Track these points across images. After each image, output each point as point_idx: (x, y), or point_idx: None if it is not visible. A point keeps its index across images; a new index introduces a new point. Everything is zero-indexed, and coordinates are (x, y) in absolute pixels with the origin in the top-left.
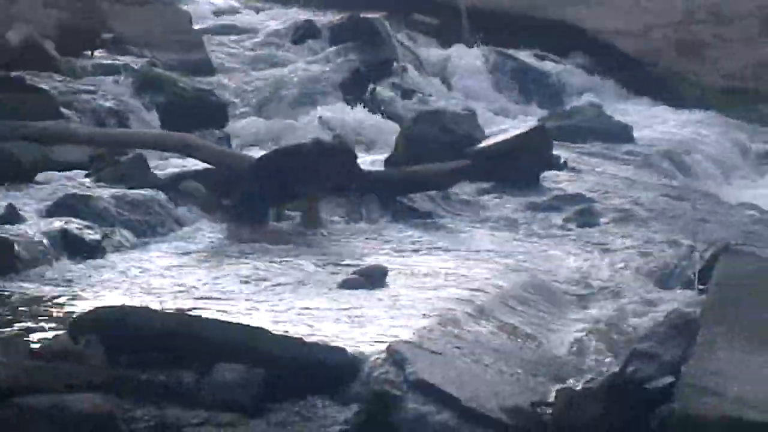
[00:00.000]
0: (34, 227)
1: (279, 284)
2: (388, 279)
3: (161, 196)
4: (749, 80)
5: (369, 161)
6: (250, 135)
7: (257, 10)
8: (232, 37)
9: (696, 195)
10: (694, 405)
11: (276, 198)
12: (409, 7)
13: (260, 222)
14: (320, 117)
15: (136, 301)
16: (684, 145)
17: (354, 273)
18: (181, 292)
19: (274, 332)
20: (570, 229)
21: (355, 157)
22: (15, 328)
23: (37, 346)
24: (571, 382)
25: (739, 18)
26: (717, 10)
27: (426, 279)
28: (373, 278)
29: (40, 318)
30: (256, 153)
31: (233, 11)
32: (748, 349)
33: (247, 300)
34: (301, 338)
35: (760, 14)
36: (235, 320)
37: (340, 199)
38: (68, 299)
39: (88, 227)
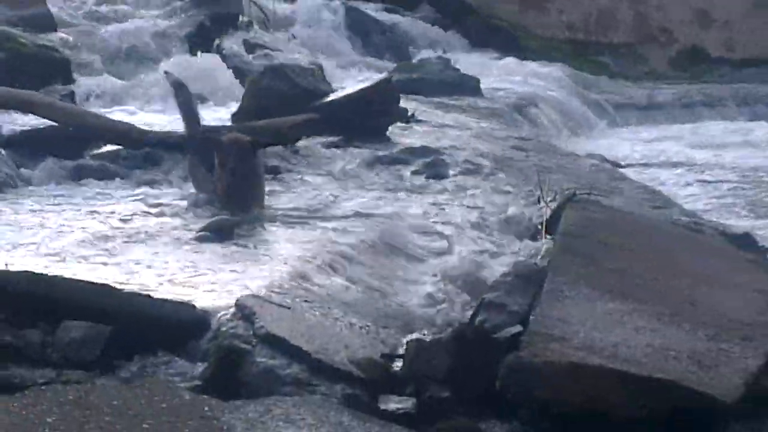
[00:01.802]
0: None
1: (127, 241)
2: (237, 233)
3: (3, 154)
4: (593, 31)
5: (216, 116)
6: (95, 91)
7: None
8: None
9: (542, 146)
10: (541, 352)
11: None
12: None
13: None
14: (166, 72)
15: None
16: (529, 96)
17: (203, 228)
18: (26, 250)
19: (121, 289)
20: (418, 181)
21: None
22: None
23: None
24: (420, 333)
25: None
26: None
27: (275, 234)
28: (222, 232)
29: None
30: (101, 110)
31: None
32: (593, 296)
33: (93, 257)
34: (148, 294)
35: None
36: (81, 277)
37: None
38: None
39: None
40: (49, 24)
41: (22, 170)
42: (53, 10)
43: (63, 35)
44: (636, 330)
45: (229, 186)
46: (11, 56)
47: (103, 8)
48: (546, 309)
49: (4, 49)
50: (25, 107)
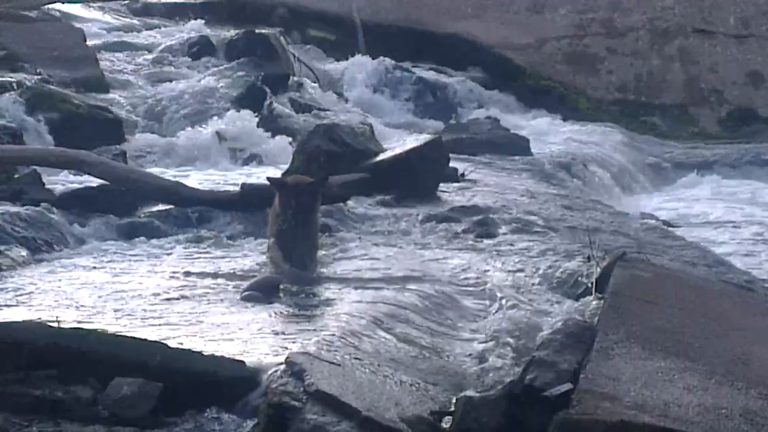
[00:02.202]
0: None
1: (176, 299)
2: (284, 291)
3: (56, 212)
4: (643, 92)
5: (266, 176)
6: (147, 151)
7: (151, 27)
8: (127, 54)
9: (592, 205)
10: (592, 410)
11: None
12: (305, 22)
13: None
14: (217, 132)
15: (30, 317)
16: (579, 156)
17: (249, 286)
18: (77, 307)
19: (171, 346)
20: (468, 240)
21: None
22: None
23: None
24: (470, 390)
25: (630, 31)
26: (609, 24)
27: (324, 291)
28: (267, 291)
29: None
30: (152, 169)
31: (127, 29)
32: (643, 354)
33: (144, 314)
34: (199, 351)
35: (650, 27)
36: (130, 334)
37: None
38: None
39: None
40: (101, 84)
41: (74, 228)
42: (105, 70)
43: (115, 96)
44: (687, 389)
45: (284, 231)
46: (65, 117)
47: (155, 68)
48: (596, 367)
49: (58, 110)
50: (77, 166)
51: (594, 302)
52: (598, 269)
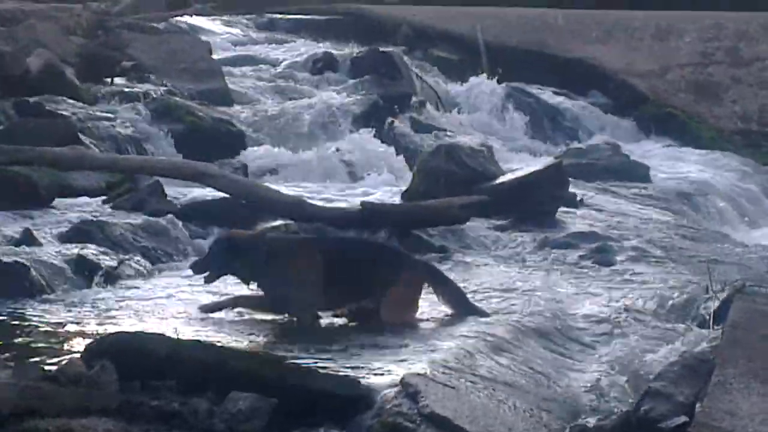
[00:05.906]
0: (51, 252)
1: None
2: None
3: (177, 223)
4: (765, 122)
5: (385, 195)
6: (267, 165)
7: (276, 42)
8: (251, 68)
9: (712, 235)
10: None
11: None
12: (429, 41)
13: None
14: (337, 149)
15: (150, 328)
16: (700, 185)
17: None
18: (195, 319)
19: (288, 362)
20: (585, 267)
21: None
22: (29, 351)
23: (50, 370)
24: (584, 419)
25: (755, 60)
26: (734, 52)
27: (439, 313)
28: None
29: (54, 342)
30: (273, 183)
31: (253, 42)
32: (762, 390)
33: (261, 329)
34: (314, 368)
35: None
36: (248, 348)
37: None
38: (83, 324)
39: (104, 253)
40: (226, 98)
41: (195, 240)
42: (230, 84)
43: (238, 109)
44: None
45: None
46: (189, 129)
47: (279, 83)
48: (713, 401)
49: (182, 121)
50: (200, 179)
51: (712, 335)
52: (717, 301)
